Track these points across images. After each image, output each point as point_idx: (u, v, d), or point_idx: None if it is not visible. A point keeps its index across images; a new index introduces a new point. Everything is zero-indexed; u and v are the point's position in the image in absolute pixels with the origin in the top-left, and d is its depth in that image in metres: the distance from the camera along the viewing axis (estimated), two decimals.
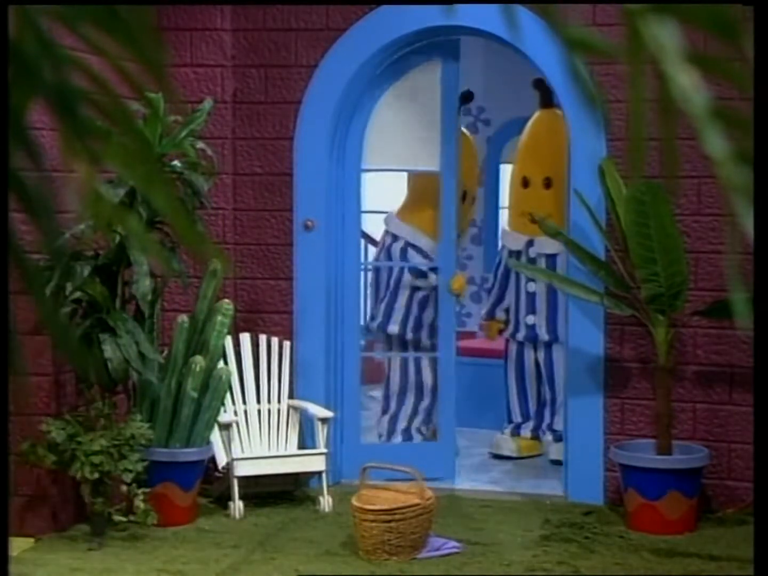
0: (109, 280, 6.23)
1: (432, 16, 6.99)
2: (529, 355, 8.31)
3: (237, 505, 6.65)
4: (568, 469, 7.10)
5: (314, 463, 6.84)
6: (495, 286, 8.48)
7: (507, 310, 8.41)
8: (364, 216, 8.46)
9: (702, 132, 1.02)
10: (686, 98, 1.01)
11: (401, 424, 8.06)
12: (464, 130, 8.59)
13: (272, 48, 7.26)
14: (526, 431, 8.33)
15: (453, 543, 6.14)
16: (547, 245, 8.00)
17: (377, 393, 8.56)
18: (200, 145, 6.39)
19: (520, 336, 8.27)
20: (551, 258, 8.08)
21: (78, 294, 6.13)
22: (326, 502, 6.79)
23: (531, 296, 8.24)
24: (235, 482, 6.68)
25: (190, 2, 7.17)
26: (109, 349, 6.13)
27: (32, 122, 1.16)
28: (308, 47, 7.22)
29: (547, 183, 8.17)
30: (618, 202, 6.55)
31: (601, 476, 6.94)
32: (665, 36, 1.00)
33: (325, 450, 6.85)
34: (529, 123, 8.43)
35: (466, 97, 8.34)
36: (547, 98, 8.16)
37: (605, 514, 6.74)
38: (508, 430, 8.35)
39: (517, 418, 8.41)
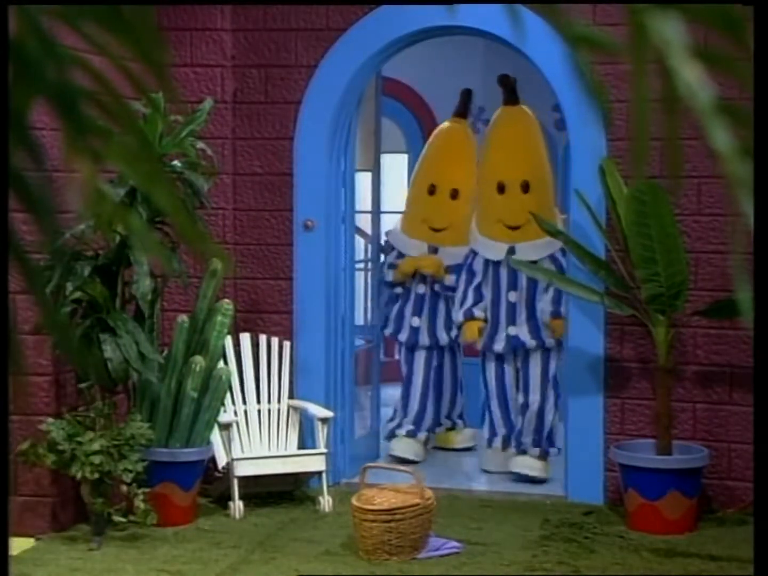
0: (109, 280, 6.23)
1: (432, 16, 6.99)
2: (509, 368, 7.79)
3: (237, 505, 6.64)
4: (568, 469, 7.09)
5: (314, 463, 6.84)
6: (469, 291, 7.80)
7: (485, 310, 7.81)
8: (365, 216, 8.47)
9: (707, 127, 1.01)
10: (692, 93, 1.01)
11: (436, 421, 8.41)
12: (462, 122, 8.27)
13: (272, 48, 7.26)
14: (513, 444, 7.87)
15: (453, 543, 6.14)
16: (529, 252, 7.49)
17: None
18: (200, 145, 6.39)
19: (499, 347, 7.68)
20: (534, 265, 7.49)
21: (78, 294, 6.13)
22: (326, 502, 6.78)
23: (512, 306, 7.66)
24: (235, 482, 6.67)
25: (190, 2, 7.17)
26: (109, 349, 6.13)
27: (33, 122, 1.16)
28: (308, 47, 7.22)
29: (525, 187, 7.56)
30: (618, 201, 6.55)
31: (601, 476, 6.93)
32: (670, 31, 1.00)
33: (325, 450, 6.85)
34: (495, 122, 7.79)
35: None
36: (512, 94, 7.69)
37: (605, 514, 6.74)
38: (498, 444, 7.85)
39: (502, 431, 7.87)
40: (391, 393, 11.03)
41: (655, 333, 6.54)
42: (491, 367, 7.84)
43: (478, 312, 7.77)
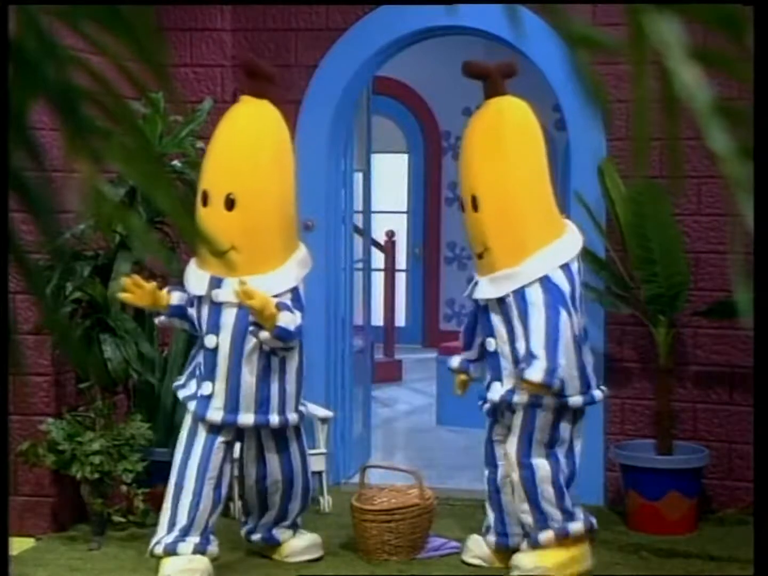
0: (109, 280, 6.23)
1: (432, 16, 6.99)
2: (500, 428, 5.87)
3: (237, 505, 6.64)
4: None
5: (314, 463, 6.83)
6: (464, 335, 6.03)
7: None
8: (357, 216, 8.45)
9: (705, 128, 1.02)
10: (690, 94, 1.01)
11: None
12: (252, 102, 5.78)
13: (272, 48, 7.26)
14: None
15: (453, 543, 6.14)
16: (487, 289, 5.69)
17: (378, 393, 8.56)
18: (200, 145, 6.39)
19: (494, 396, 5.75)
20: (519, 295, 5.59)
21: (78, 294, 6.14)
22: (326, 502, 6.79)
23: (493, 357, 5.75)
24: (235, 482, 6.67)
25: (190, 2, 7.17)
26: (109, 349, 6.14)
27: (33, 122, 1.16)
28: (308, 47, 7.22)
29: (473, 203, 5.65)
30: (617, 202, 6.55)
31: (601, 476, 6.93)
32: (668, 31, 1.01)
33: (325, 450, 6.85)
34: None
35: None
36: (495, 85, 5.76)
37: (605, 514, 6.73)
38: (492, 538, 5.95)
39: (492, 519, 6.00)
40: (392, 393, 11.05)
41: (655, 333, 6.54)
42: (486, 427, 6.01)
43: (455, 363, 6.01)
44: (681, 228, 6.58)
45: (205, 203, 5.64)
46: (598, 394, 5.80)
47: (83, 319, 6.18)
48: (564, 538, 5.65)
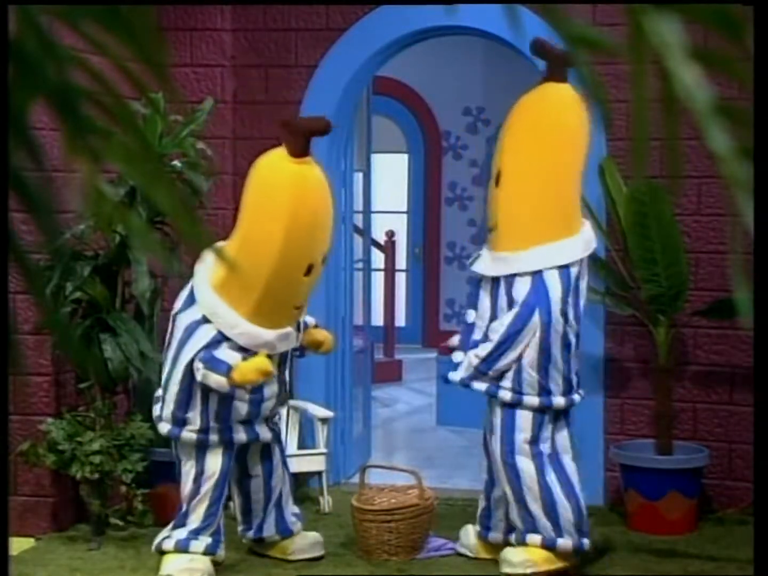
0: (109, 280, 6.24)
1: (432, 16, 6.99)
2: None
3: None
4: None
5: (314, 463, 6.84)
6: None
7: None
8: (357, 216, 8.45)
9: (705, 128, 1.02)
10: (689, 95, 1.01)
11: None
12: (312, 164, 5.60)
13: (272, 48, 7.26)
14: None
15: (453, 543, 6.14)
16: (491, 264, 5.74)
17: (378, 393, 8.55)
18: (200, 145, 6.39)
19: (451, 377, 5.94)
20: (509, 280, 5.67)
21: (78, 294, 6.14)
22: (326, 502, 6.79)
23: (468, 328, 5.85)
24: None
25: (190, 2, 7.17)
26: (109, 349, 6.14)
27: (33, 122, 1.16)
28: (308, 47, 7.22)
29: (498, 177, 5.66)
30: (618, 201, 6.55)
31: (601, 476, 6.93)
32: (668, 32, 1.01)
33: (325, 450, 6.85)
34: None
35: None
36: (555, 70, 5.59)
37: (605, 514, 6.73)
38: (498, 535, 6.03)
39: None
40: (392, 393, 11.05)
41: (655, 333, 6.54)
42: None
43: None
44: (681, 228, 6.58)
45: (308, 272, 5.57)
46: (576, 397, 5.84)
47: (83, 319, 6.18)
48: (550, 549, 5.66)
